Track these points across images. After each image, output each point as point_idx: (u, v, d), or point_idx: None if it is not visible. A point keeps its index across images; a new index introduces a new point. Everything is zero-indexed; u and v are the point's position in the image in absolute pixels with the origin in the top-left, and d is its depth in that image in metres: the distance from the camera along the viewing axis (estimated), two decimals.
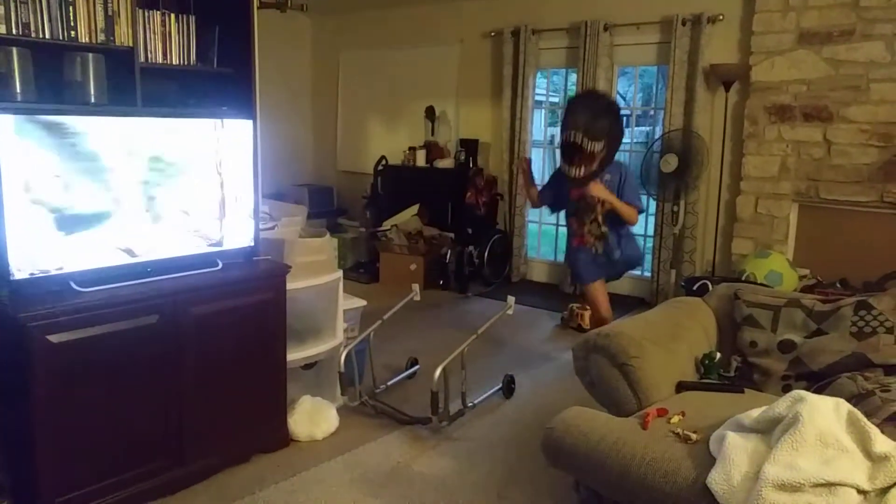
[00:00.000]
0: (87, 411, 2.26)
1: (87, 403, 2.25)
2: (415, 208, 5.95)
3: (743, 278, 4.43)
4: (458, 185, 5.85)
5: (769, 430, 1.82)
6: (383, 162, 6.34)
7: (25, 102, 2.25)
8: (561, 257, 5.85)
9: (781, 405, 1.83)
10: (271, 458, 2.80)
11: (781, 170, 4.59)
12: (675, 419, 2.05)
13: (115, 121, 2.30)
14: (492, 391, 3.41)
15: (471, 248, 5.64)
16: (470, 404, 3.20)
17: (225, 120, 2.61)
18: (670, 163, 4.73)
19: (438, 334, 4.44)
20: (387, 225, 5.88)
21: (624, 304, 5.26)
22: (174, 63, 2.65)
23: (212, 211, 2.65)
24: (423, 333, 4.41)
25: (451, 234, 5.81)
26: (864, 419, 1.75)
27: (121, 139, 2.31)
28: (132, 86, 2.51)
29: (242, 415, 2.73)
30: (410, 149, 6.31)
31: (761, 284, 4.20)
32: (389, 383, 3.50)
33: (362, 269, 6.00)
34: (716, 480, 1.73)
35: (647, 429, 2.02)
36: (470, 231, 5.74)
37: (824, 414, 1.75)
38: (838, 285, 4.45)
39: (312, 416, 3.00)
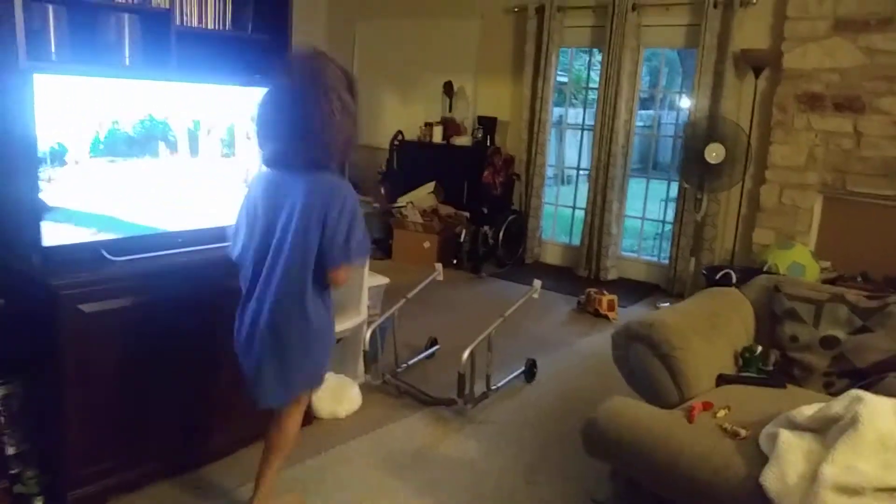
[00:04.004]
0: (116, 382, 2.21)
1: (115, 375, 2.20)
2: (431, 185, 5.88)
3: (765, 269, 4.39)
4: (474, 163, 5.77)
5: (824, 430, 1.78)
6: (399, 137, 6.24)
7: (61, 62, 2.16)
8: (576, 240, 5.79)
9: (838, 404, 1.79)
10: None
11: (808, 160, 4.52)
12: (722, 413, 2.02)
13: (151, 84, 2.22)
14: (514, 374, 3.37)
15: (486, 227, 5.57)
16: (493, 387, 3.17)
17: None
18: (716, 153, 4.60)
19: (456, 314, 4.40)
20: (402, 201, 5.81)
21: (639, 291, 5.24)
22: (209, 27, 2.56)
23: (242, 182, 2.58)
24: (440, 313, 4.36)
25: (467, 213, 5.74)
26: None
27: (155, 103, 2.23)
28: (167, 49, 2.42)
29: None
30: (427, 124, 6.21)
31: (783, 276, 4.17)
32: (410, 362, 3.46)
33: (375, 245, 5.93)
34: (769, 479, 1.69)
35: (692, 422, 1.98)
36: (485, 210, 5.67)
37: (884, 416, 1.71)
38: (859, 279, 4.42)
39: (335, 394, 2.96)
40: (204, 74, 2.48)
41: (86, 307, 2.08)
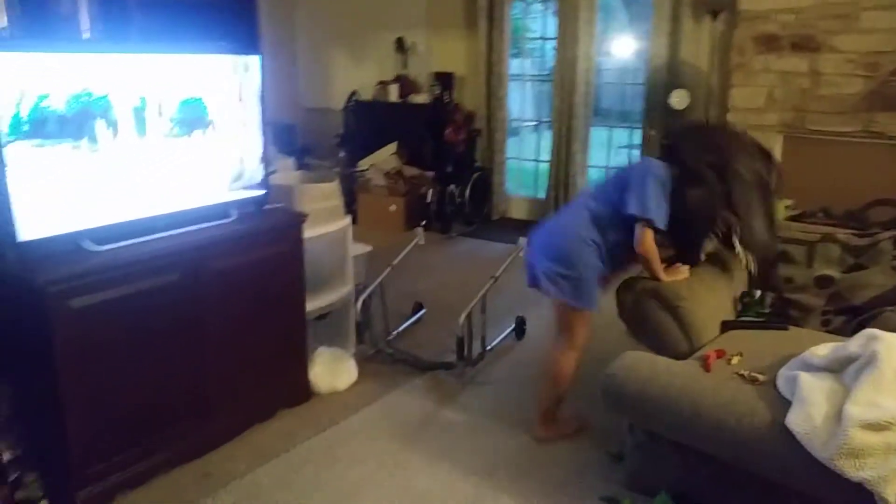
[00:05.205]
0: (113, 376, 2.10)
1: (111, 368, 2.09)
2: (393, 146, 5.75)
3: None
4: (435, 121, 5.66)
5: (841, 370, 1.83)
6: (354, 97, 6.06)
7: (15, 38, 1.97)
8: (542, 193, 5.78)
9: (854, 344, 1.84)
10: (297, 413, 2.70)
11: (768, 101, 4.59)
12: (736, 360, 2.05)
13: (113, 58, 2.05)
14: (505, 333, 3.37)
15: (452, 186, 5.50)
16: (488, 348, 3.17)
17: (231, 55, 2.39)
18: (679, 99, 4.61)
19: (434, 277, 4.35)
20: (364, 164, 5.67)
21: None
22: None
23: (220, 157, 2.45)
24: (418, 277, 4.30)
25: (432, 173, 5.65)
26: None
27: (122, 78, 2.07)
28: (125, 19, 2.24)
29: (266, 370, 2.61)
30: (381, 83, 6.04)
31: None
32: (400, 329, 3.42)
33: None
34: (796, 421, 1.73)
35: (710, 371, 2.01)
36: (450, 169, 5.59)
37: None
38: (820, 214, 4.56)
39: (332, 368, 2.90)
40: (154, 44, 2.28)
41: (75, 303, 1.96)
